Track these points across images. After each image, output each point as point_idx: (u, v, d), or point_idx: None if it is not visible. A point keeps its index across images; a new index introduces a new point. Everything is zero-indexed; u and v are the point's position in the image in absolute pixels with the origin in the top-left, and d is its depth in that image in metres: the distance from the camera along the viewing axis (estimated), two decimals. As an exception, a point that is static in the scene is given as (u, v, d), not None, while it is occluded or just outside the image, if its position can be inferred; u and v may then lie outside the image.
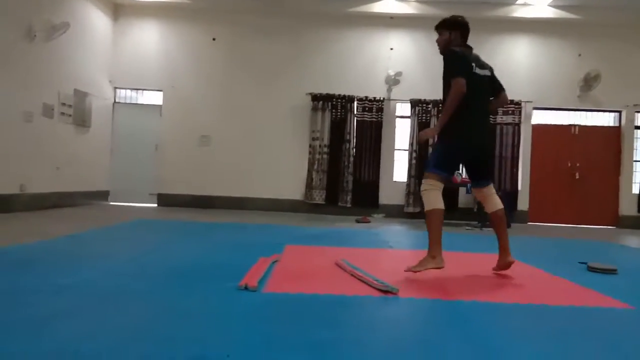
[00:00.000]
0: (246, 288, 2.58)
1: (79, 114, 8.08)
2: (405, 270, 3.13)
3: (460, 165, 3.30)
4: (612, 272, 3.62)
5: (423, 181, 3.25)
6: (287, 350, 1.73)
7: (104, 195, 9.19)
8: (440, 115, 3.14)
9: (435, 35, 3.48)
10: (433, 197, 3.17)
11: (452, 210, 8.94)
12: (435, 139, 3.39)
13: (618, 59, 9.21)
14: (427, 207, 3.19)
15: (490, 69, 3.40)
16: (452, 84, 3.06)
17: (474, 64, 3.22)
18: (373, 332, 2.03)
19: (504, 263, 3.36)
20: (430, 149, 9.08)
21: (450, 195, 8.88)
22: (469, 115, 3.15)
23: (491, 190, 3.44)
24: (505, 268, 3.38)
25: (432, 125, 9.08)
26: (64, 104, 7.65)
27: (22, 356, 1.59)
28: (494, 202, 3.41)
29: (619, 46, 9.24)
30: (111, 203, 9.24)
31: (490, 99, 3.44)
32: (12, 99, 6.49)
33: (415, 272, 3.11)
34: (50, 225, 5.46)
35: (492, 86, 3.39)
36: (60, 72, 7.57)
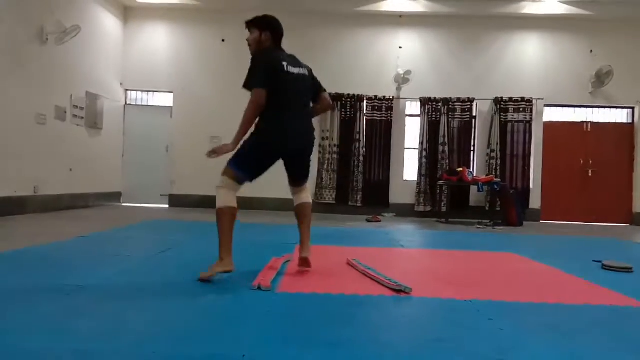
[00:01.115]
0: (259, 288, 2.59)
1: (91, 116, 8.16)
2: (197, 280, 2.78)
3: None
4: (627, 270, 3.58)
5: (221, 177, 2.99)
6: (302, 349, 1.74)
7: (116, 196, 9.27)
8: (240, 125, 2.91)
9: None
10: (223, 194, 2.93)
11: (464, 209, 8.90)
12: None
13: (630, 54, 9.11)
14: (217, 205, 2.93)
15: (308, 69, 3.17)
16: (251, 94, 2.87)
17: (285, 63, 2.97)
18: (387, 332, 2.03)
19: (301, 256, 3.10)
20: (440, 149, 9.05)
21: (461, 193, 8.84)
22: (283, 117, 2.92)
23: (304, 187, 3.31)
24: (302, 265, 3.10)
25: (442, 124, 9.04)
26: (76, 107, 7.73)
27: (41, 354, 1.61)
28: (302, 196, 3.27)
29: (631, 42, 9.13)
30: (123, 204, 9.32)
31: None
32: (25, 102, 6.57)
33: (206, 278, 2.77)
34: (65, 226, 5.51)
35: (312, 86, 3.18)
36: (72, 75, 7.65)
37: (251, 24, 3.14)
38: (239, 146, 2.97)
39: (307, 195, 3.31)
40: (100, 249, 3.99)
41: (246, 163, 2.96)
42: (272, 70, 2.92)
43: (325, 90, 3.30)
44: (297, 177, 3.26)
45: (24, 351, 1.63)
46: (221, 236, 2.89)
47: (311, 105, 3.23)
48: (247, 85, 2.91)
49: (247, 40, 3.15)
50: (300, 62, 3.14)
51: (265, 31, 3.10)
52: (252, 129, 2.98)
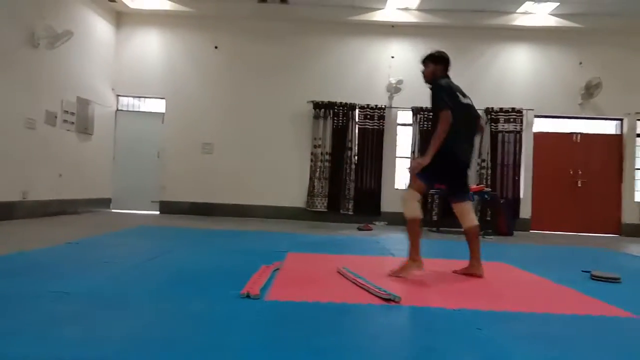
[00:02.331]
0: (248, 296, 2.57)
1: (81, 121, 8.11)
2: (389, 275, 3.38)
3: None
4: (615, 280, 3.60)
5: (406, 191, 3.59)
6: (290, 357, 1.72)
7: (106, 202, 9.20)
8: (431, 141, 3.44)
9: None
10: (411, 206, 3.51)
11: (455, 218, 8.90)
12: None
13: (619, 66, 9.23)
14: (407, 216, 3.52)
15: (470, 99, 3.70)
16: (440, 115, 3.38)
17: (458, 94, 3.55)
18: (376, 340, 2.02)
19: (472, 272, 3.58)
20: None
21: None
22: (456, 138, 3.44)
23: (469, 206, 3.69)
24: (469, 275, 3.58)
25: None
26: (66, 112, 7.68)
27: (23, 364, 1.59)
28: (470, 219, 3.64)
29: (620, 54, 9.26)
30: (113, 210, 9.25)
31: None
32: (15, 106, 6.52)
33: (398, 276, 3.38)
34: (53, 232, 5.46)
35: (473, 114, 3.74)
36: (63, 80, 7.61)
37: (427, 60, 3.76)
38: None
39: (474, 215, 3.71)
40: (88, 255, 3.95)
41: (430, 174, 3.50)
42: (454, 97, 3.49)
43: (480, 117, 3.91)
44: (463, 189, 3.71)
45: (7, 357, 1.60)
46: (414, 241, 3.48)
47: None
48: (441, 107, 3.41)
49: (422, 72, 3.79)
50: (465, 92, 3.67)
51: (439, 64, 3.71)
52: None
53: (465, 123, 3.53)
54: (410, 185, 3.61)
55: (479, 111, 9.11)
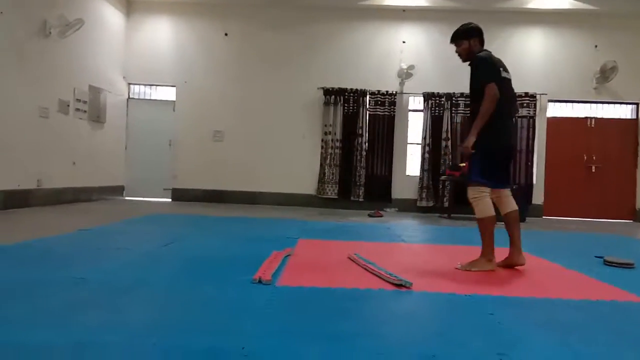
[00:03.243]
0: (260, 281, 2.60)
1: (93, 109, 8.17)
2: (458, 268, 3.25)
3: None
4: (629, 266, 3.57)
5: (469, 189, 3.34)
6: (301, 342, 1.75)
7: (119, 190, 9.30)
8: (475, 120, 3.21)
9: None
10: (481, 204, 3.26)
11: (467, 204, 8.86)
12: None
13: (635, 50, 9.05)
14: (478, 215, 3.27)
15: (510, 74, 3.43)
16: (485, 90, 3.12)
17: (501, 68, 3.28)
18: (387, 325, 2.04)
19: (513, 262, 3.36)
20: (443, 144, 9.03)
21: (464, 188, 8.81)
22: (500, 118, 3.20)
23: (508, 192, 3.45)
24: (511, 266, 3.38)
25: (445, 119, 9.02)
26: (79, 100, 7.74)
27: (43, 347, 1.63)
28: (509, 203, 3.41)
29: (636, 37, 9.07)
30: (126, 198, 9.35)
31: None
32: (28, 95, 6.58)
33: (466, 270, 3.21)
34: (68, 219, 5.54)
35: (513, 91, 3.48)
36: (74, 69, 7.66)
37: (457, 37, 3.44)
38: (473, 160, 3.33)
39: (513, 200, 3.45)
40: (102, 242, 4.01)
41: (487, 171, 3.27)
42: (497, 70, 3.23)
43: (516, 97, 3.70)
44: (507, 177, 3.52)
45: (26, 344, 1.64)
46: (488, 241, 3.25)
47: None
48: (484, 82, 3.15)
49: (456, 52, 3.47)
50: (505, 66, 3.39)
51: (472, 37, 3.40)
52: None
53: (508, 100, 3.29)
54: (471, 187, 3.33)
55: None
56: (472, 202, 3.30)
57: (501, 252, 3.37)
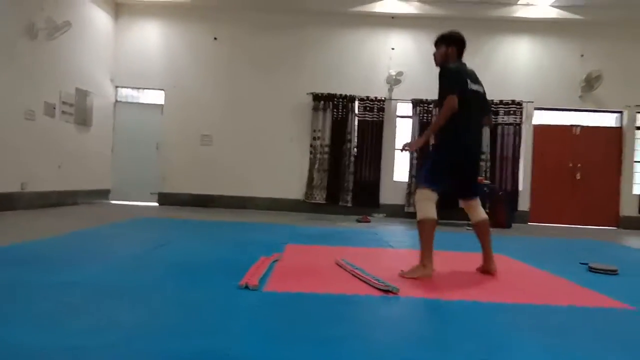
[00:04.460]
0: (247, 287, 2.58)
1: (80, 112, 8.09)
2: (399, 275, 3.13)
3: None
4: (613, 272, 3.62)
5: (417, 191, 3.32)
6: (288, 345, 1.74)
7: (105, 193, 9.20)
8: (430, 125, 3.26)
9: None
10: (424, 207, 3.20)
11: (454, 210, 8.92)
12: (431, 148, 3.49)
13: (620, 59, 9.20)
14: (419, 217, 3.22)
15: (482, 87, 3.42)
16: (445, 100, 3.10)
17: (468, 80, 3.25)
18: (374, 330, 2.03)
19: (485, 269, 3.40)
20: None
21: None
22: (464, 129, 3.20)
23: (477, 202, 3.47)
24: (487, 272, 3.39)
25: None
26: (65, 103, 7.66)
27: (31, 350, 1.60)
28: (478, 213, 3.43)
29: (621, 46, 9.23)
30: (112, 202, 9.26)
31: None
32: (14, 97, 6.50)
33: (406, 277, 3.09)
34: (53, 223, 5.47)
35: (483, 104, 3.45)
36: (61, 71, 7.59)
37: (439, 41, 3.46)
38: (426, 164, 3.41)
39: (482, 210, 3.48)
40: (89, 246, 3.96)
41: (437, 179, 3.24)
42: (462, 82, 3.20)
43: (490, 112, 3.56)
44: (470, 188, 3.47)
45: (14, 346, 1.62)
46: (425, 245, 3.16)
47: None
48: (446, 92, 3.13)
49: (433, 54, 3.49)
50: (478, 79, 3.39)
51: (452, 46, 3.41)
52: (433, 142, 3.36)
53: (474, 110, 3.26)
54: (421, 185, 3.31)
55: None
56: (416, 203, 3.29)
57: (478, 258, 3.41)
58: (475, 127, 3.34)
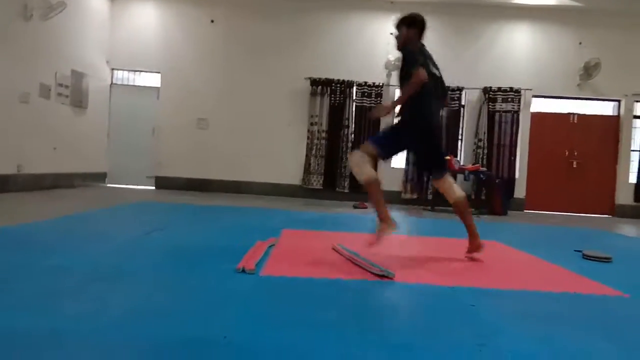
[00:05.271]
0: (243, 271, 2.59)
1: (76, 94, 8.03)
2: (368, 245, 3.26)
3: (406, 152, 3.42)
4: (606, 260, 3.64)
5: (355, 152, 3.32)
6: (283, 331, 1.75)
7: (101, 177, 9.18)
8: (399, 95, 3.29)
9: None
10: (364, 168, 3.23)
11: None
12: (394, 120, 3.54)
13: (618, 47, 9.17)
14: (363, 179, 3.24)
15: (440, 71, 3.46)
16: (413, 73, 3.11)
17: (429, 61, 3.33)
18: (369, 315, 2.05)
19: (475, 245, 3.42)
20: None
21: (447, 182, 8.88)
22: (427, 106, 3.28)
23: (449, 181, 3.46)
24: (476, 250, 3.43)
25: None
26: (60, 85, 7.60)
27: (22, 334, 1.60)
28: (453, 191, 3.43)
29: (619, 34, 9.19)
30: (108, 185, 9.24)
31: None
32: (9, 79, 6.44)
33: (380, 239, 3.26)
34: (49, 205, 5.45)
35: (442, 86, 3.48)
36: (57, 52, 7.50)
37: (401, 23, 3.47)
38: (385, 129, 3.48)
39: (458, 187, 3.48)
40: (84, 229, 3.96)
41: (388, 142, 3.33)
42: (425, 63, 3.25)
43: (447, 95, 3.58)
44: (437, 163, 3.47)
45: (7, 331, 1.62)
46: (377, 204, 3.26)
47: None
48: (414, 65, 3.15)
49: (395, 37, 3.51)
50: (436, 63, 3.44)
51: (413, 28, 3.43)
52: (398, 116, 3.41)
53: (434, 93, 3.33)
54: (360, 148, 3.32)
55: (475, 91, 9.06)
56: (352, 165, 3.29)
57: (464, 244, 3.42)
58: (436, 106, 3.42)
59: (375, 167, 3.33)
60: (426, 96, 3.23)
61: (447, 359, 1.60)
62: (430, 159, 3.47)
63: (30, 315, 1.77)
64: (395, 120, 3.46)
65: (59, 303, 1.94)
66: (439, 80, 3.40)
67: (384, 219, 3.25)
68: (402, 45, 3.44)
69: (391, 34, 9.28)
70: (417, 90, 3.13)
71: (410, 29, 3.42)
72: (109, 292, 2.16)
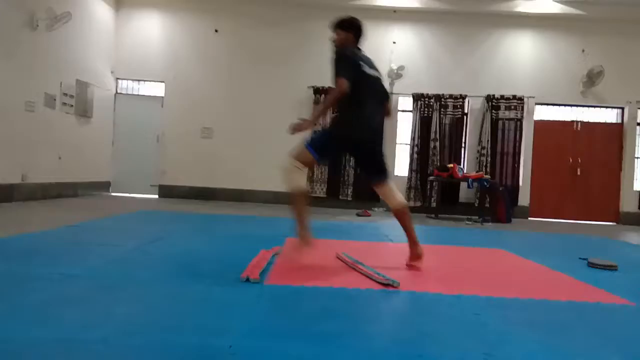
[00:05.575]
0: (248, 280, 2.59)
1: (80, 104, 8.08)
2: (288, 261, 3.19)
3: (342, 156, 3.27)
4: (612, 268, 3.62)
5: (290, 158, 3.19)
6: (288, 340, 1.74)
7: (105, 185, 9.21)
8: (319, 106, 3.20)
9: None
10: (296, 177, 3.16)
11: (454, 204, 8.95)
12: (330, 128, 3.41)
13: (622, 55, 9.18)
14: (291, 188, 3.17)
15: (379, 72, 3.42)
16: (336, 82, 3.06)
17: (364, 64, 3.24)
18: (374, 325, 2.04)
19: (414, 255, 3.32)
20: (432, 145, 9.07)
21: (451, 189, 8.88)
22: (362, 109, 3.17)
23: (390, 187, 3.38)
24: (416, 259, 3.31)
25: (434, 120, 9.07)
26: (65, 94, 7.65)
27: (28, 342, 1.60)
28: (394, 197, 3.36)
29: (623, 42, 9.20)
30: (112, 194, 9.26)
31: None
32: (15, 89, 6.49)
33: (294, 256, 3.18)
34: (53, 214, 5.47)
35: (381, 88, 3.41)
36: (62, 62, 7.56)
37: (337, 26, 3.42)
38: (320, 132, 3.38)
39: (400, 195, 3.41)
40: (89, 238, 3.96)
41: (324, 147, 3.22)
42: (355, 65, 3.17)
43: (389, 99, 3.54)
44: (378, 169, 3.37)
45: (7, 339, 1.62)
46: (298, 217, 3.18)
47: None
48: (337, 76, 3.09)
49: (332, 40, 3.43)
50: (374, 65, 3.38)
51: (349, 32, 3.39)
52: (331, 120, 3.30)
53: (371, 96, 3.24)
54: (294, 155, 3.19)
55: (479, 98, 9.02)
56: (284, 173, 3.19)
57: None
58: (373, 109, 3.26)
59: (312, 171, 3.22)
60: (359, 104, 3.15)
61: (453, 368, 1.59)
62: (368, 165, 3.39)
63: (36, 325, 1.77)
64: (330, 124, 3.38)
65: (63, 312, 1.94)
66: (377, 81, 3.34)
67: (300, 235, 3.16)
68: (336, 47, 3.34)
69: (394, 42, 9.38)
70: (348, 97, 3.06)
71: (347, 33, 3.38)
72: (115, 300, 2.16)
